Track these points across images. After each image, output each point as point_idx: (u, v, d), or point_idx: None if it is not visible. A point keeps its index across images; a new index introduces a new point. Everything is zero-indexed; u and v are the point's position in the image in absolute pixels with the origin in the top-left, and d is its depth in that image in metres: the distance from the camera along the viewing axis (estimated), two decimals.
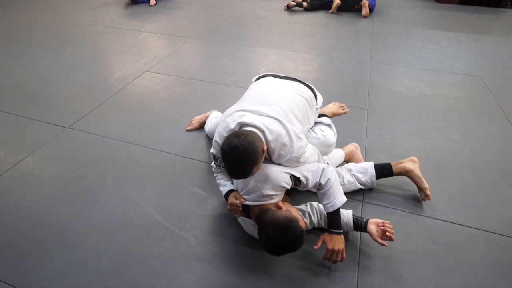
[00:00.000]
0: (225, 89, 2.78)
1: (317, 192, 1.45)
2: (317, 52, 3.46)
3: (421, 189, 1.73)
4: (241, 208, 1.46)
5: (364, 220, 1.46)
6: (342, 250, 1.39)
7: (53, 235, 1.58)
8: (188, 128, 2.28)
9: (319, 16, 4.51)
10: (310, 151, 1.48)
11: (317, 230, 1.57)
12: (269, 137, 1.37)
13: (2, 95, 2.70)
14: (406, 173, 1.76)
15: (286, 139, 1.39)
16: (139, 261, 1.47)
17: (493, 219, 1.67)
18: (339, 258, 1.39)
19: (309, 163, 1.47)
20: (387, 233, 1.39)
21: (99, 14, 4.58)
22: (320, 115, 1.87)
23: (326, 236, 1.41)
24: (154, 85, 2.85)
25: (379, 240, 1.40)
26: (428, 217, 1.67)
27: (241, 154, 1.26)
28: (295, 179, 1.40)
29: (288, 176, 1.39)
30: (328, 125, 1.77)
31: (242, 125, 1.41)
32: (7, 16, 4.49)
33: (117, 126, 2.33)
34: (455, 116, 2.43)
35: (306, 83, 1.74)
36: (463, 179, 1.90)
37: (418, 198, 1.76)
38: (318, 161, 1.58)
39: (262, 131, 1.37)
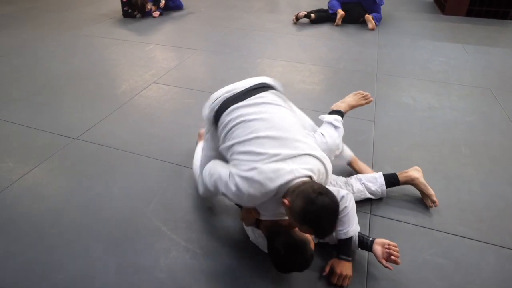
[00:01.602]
0: None
1: None
2: (323, 64, 3.48)
3: (427, 196, 1.75)
4: (255, 220, 1.44)
5: (370, 239, 1.43)
6: (350, 276, 1.39)
7: (60, 246, 1.58)
8: (199, 141, 2.25)
9: (324, 29, 4.54)
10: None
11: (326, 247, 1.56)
12: (315, 177, 1.28)
13: (12, 106, 2.74)
14: (412, 181, 1.77)
15: (322, 171, 1.32)
16: (145, 273, 1.46)
17: (504, 233, 1.63)
18: (345, 283, 1.38)
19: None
20: (392, 257, 1.36)
21: (107, 27, 4.65)
22: (334, 112, 1.73)
23: (335, 262, 1.41)
24: (161, 96, 2.87)
25: (384, 263, 1.37)
26: (437, 230, 1.65)
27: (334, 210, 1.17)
28: None
29: None
30: (335, 127, 1.63)
31: (287, 182, 1.21)
32: (19, 30, 4.59)
33: (124, 137, 2.34)
34: (463, 128, 2.41)
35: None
36: (472, 192, 1.88)
37: (426, 211, 1.74)
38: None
39: (310, 176, 1.25)
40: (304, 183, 1.18)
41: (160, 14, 4.98)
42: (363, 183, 1.76)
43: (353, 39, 4.16)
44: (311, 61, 3.53)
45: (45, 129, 2.43)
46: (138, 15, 4.97)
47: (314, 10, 4.80)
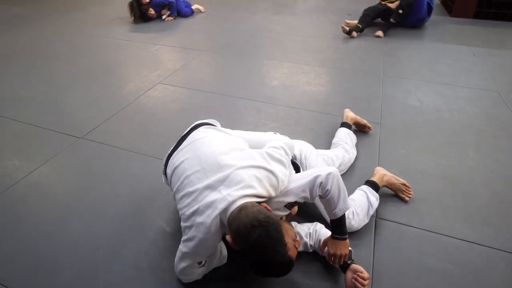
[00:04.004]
0: (237, 102, 2.78)
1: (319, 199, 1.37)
2: (329, 66, 3.46)
3: (399, 189, 1.81)
4: None
5: (349, 262, 1.38)
6: (345, 255, 1.35)
7: (65, 245, 1.58)
8: None
9: (330, 30, 4.52)
10: (282, 172, 1.31)
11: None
12: (260, 189, 1.20)
13: (18, 105, 2.76)
14: (390, 185, 1.82)
15: (268, 175, 1.25)
16: (148, 274, 1.45)
17: None
18: (341, 262, 1.36)
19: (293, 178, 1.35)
20: None
21: (113, 27, 4.68)
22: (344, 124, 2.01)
23: (329, 241, 1.38)
24: (166, 96, 2.88)
25: None
26: (444, 235, 1.62)
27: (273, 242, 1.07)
28: (291, 205, 1.32)
29: (282, 206, 1.31)
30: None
31: (223, 210, 1.15)
32: (28, 31, 4.63)
33: (129, 137, 2.34)
34: (471, 132, 2.38)
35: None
36: (480, 196, 1.85)
37: (433, 215, 1.72)
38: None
39: (249, 194, 1.18)
40: (238, 212, 1.12)
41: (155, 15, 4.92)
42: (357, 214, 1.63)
43: (359, 40, 4.14)
44: (317, 63, 3.52)
45: (51, 128, 2.44)
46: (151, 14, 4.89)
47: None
